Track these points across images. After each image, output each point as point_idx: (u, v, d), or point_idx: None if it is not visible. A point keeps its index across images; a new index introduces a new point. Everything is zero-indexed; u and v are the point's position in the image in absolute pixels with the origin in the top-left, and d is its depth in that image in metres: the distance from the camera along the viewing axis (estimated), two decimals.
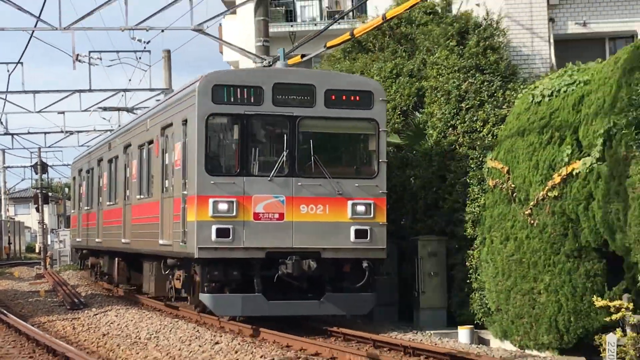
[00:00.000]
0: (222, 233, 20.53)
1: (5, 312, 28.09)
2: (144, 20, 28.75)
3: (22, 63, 41.07)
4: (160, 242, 24.22)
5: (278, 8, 43.28)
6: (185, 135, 22.09)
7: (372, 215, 21.23)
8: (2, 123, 51.32)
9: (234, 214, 20.68)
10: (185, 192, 21.89)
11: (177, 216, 22.32)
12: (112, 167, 33.53)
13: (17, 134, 57.25)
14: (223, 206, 20.60)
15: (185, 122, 22.19)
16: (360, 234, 21.06)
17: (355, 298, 21.36)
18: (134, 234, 28.46)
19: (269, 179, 20.99)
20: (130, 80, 45.54)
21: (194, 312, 23.74)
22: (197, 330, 21.51)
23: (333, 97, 21.51)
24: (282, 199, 20.96)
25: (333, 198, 21.21)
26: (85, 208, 40.72)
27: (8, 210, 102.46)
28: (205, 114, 20.87)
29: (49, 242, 70.18)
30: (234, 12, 40.63)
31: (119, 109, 48.27)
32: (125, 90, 45.40)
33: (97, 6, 27.56)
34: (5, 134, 53.13)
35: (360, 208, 21.19)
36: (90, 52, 40.63)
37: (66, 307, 30.41)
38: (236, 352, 18.00)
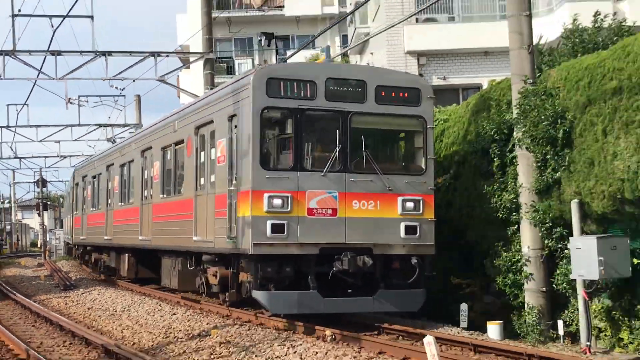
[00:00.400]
0: (277, 228, 16.00)
1: (14, 292, 27.83)
2: (120, 72, 28.42)
3: (27, 104, 40.26)
4: (195, 238, 19.04)
5: (221, 64, 43.43)
6: (232, 130, 17.43)
7: (420, 212, 16.80)
8: (12, 150, 50.85)
9: (289, 209, 16.15)
10: (233, 188, 17.05)
11: (222, 212, 17.49)
12: (124, 171, 27.50)
13: (23, 158, 56.60)
14: (278, 201, 16.09)
15: (231, 117, 17.46)
16: (410, 230, 16.71)
17: (408, 295, 16.99)
18: (155, 232, 23.30)
19: (323, 174, 16.50)
20: (109, 117, 44.65)
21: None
22: (159, 305, 21.34)
23: (383, 94, 17.02)
24: (335, 194, 16.49)
25: (383, 194, 16.71)
26: (91, 209, 34.32)
27: (17, 215, 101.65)
28: (260, 107, 16.22)
29: (48, 239, 69.35)
30: (188, 67, 40.61)
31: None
32: (105, 125, 44.92)
33: (84, 62, 27.22)
34: (15, 157, 52.47)
35: (410, 204, 16.80)
36: (79, 96, 39.93)
37: (60, 287, 30.10)
38: (188, 320, 17.90)
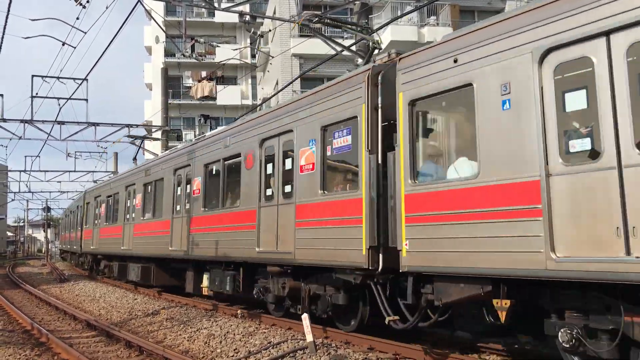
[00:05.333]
0: None
1: (24, 283, 26.43)
2: (104, 137, 27.83)
3: (39, 156, 39.33)
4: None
5: (173, 133, 42.81)
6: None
7: None
8: (27, 186, 49.60)
9: None
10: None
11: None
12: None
13: (35, 192, 55.01)
14: None
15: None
16: None
17: None
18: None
19: None
20: (95, 167, 43.78)
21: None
22: (125, 293, 20.59)
23: None
24: None
25: None
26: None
27: (29, 230, 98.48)
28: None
29: (50, 247, 67.10)
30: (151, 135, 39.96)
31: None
32: (93, 171, 43.72)
33: (80, 129, 26.49)
34: (29, 192, 50.99)
35: None
36: (75, 152, 38.64)
37: (57, 280, 28.68)
38: (146, 303, 17.31)
